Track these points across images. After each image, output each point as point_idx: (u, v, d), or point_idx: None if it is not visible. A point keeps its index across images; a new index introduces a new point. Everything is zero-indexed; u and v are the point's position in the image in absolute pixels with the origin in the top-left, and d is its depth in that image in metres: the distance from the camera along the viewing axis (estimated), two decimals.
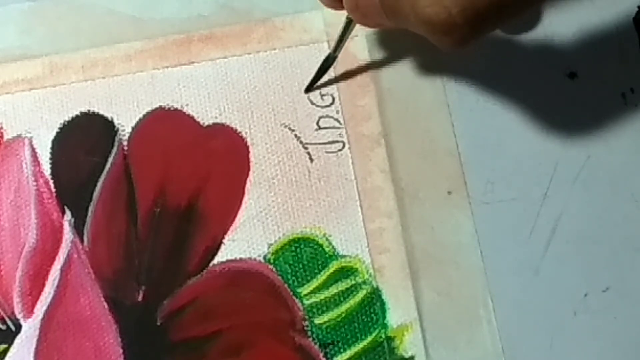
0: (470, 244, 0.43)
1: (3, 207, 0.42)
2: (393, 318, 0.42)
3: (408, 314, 0.42)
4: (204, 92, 0.44)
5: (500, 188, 0.44)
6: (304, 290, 0.42)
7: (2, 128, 0.44)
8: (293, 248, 0.42)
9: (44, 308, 0.41)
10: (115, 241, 0.42)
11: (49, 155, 0.43)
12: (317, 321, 0.42)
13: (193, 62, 0.45)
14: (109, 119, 0.44)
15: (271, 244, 0.42)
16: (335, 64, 0.44)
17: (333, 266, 0.42)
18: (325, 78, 0.44)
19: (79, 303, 0.41)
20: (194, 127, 0.44)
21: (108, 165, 0.43)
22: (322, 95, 0.44)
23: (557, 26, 0.45)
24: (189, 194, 0.43)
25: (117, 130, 0.44)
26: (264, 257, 0.42)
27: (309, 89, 0.44)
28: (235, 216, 0.43)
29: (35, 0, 0.45)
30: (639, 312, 0.42)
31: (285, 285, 0.42)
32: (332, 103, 0.44)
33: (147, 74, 0.44)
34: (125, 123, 0.44)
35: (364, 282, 0.42)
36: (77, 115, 0.44)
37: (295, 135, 0.44)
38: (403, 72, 0.45)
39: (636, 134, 0.44)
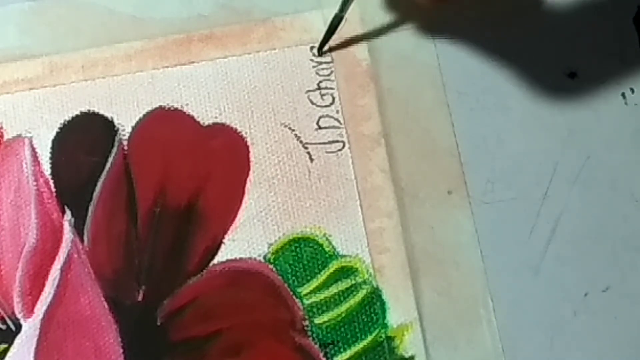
0: (470, 244, 0.43)
1: (3, 207, 0.42)
2: (393, 318, 0.42)
3: (408, 313, 0.42)
4: (204, 92, 0.44)
5: (500, 188, 0.44)
6: (304, 290, 0.42)
7: (2, 128, 0.44)
8: (293, 248, 0.42)
9: (44, 308, 0.41)
10: (115, 241, 0.42)
11: (49, 155, 0.43)
12: (317, 321, 0.42)
13: (193, 62, 0.45)
14: (109, 118, 0.44)
15: (271, 244, 0.42)
16: (335, 63, 0.44)
17: (333, 266, 0.42)
18: (327, 72, 0.44)
19: (79, 303, 0.41)
20: (194, 127, 0.44)
21: (108, 165, 0.43)
22: (322, 95, 0.44)
23: (557, 26, 0.45)
24: (189, 194, 0.43)
25: (117, 130, 0.44)
26: (264, 257, 0.42)
27: (320, 51, 0.44)
28: (235, 216, 0.43)
29: (35, 0, 0.45)
30: (639, 312, 0.42)
31: (285, 285, 0.42)
32: (332, 103, 0.44)
33: (147, 74, 0.44)
34: (125, 123, 0.44)
35: (364, 282, 0.42)
36: (77, 115, 0.44)
37: (295, 135, 0.44)
38: (403, 72, 0.45)
39: (636, 134, 0.44)
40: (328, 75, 0.44)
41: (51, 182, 0.43)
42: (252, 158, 0.44)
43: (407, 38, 0.45)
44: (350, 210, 0.43)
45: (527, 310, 0.42)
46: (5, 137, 0.44)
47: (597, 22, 0.46)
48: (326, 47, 0.44)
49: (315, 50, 0.45)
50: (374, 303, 0.42)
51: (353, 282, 0.42)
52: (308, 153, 0.44)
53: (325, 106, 0.44)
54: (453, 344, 0.42)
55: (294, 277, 0.42)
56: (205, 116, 0.44)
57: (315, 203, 0.43)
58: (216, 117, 0.44)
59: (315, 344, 0.41)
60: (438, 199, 0.43)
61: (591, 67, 0.45)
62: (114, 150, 0.43)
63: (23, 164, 0.43)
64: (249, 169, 0.43)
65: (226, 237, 0.42)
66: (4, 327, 0.41)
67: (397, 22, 0.45)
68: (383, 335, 0.41)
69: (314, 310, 0.42)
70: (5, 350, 0.41)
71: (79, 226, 0.42)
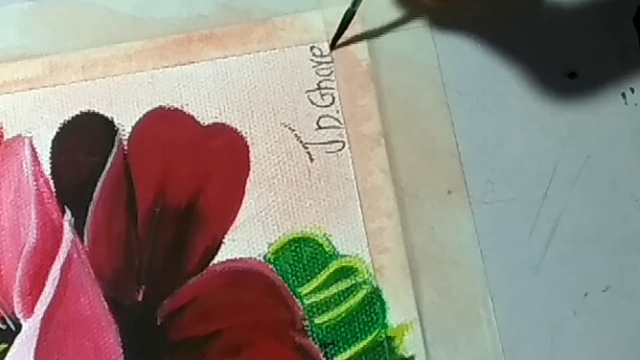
0: (470, 244, 0.43)
1: (3, 207, 0.42)
2: (393, 318, 0.42)
3: (408, 313, 0.42)
4: (204, 92, 0.44)
5: (500, 188, 0.44)
6: (304, 290, 0.42)
7: (2, 128, 0.44)
8: (293, 248, 0.42)
9: (44, 308, 0.41)
10: (115, 241, 0.42)
11: (49, 155, 0.43)
12: (317, 321, 0.42)
13: (193, 62, 0.45)
14: (109, 118, 0.44)
15: (271, 244, 0.42)
16: (335, 63, 0.44)
17: (333, 266, 0.42)
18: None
19: (79, 303, 0.41)
20: (194, 127, 0.44)
21: (108, 165, 0.43)
22: (322, 95, 0.44)
23: (557, 26, 0.45)
24: (189, 194, 0.43)
25: (117, 130, 0.44)
26: (264, 257, 0.42)
27: (333, 46, 0.45)
28: (235, 216, 0.43)
29: (35, 0, 0.45)
30: (639, 312, 0.42)
31: (285, 285, 0.42)
32: (332, 103, 0.44)
33: (147, 74, 0.44)
34: (125, 123, 0.44)
35: (364, 282, 0.42)
36: (77, 115, 0.44)
37: (295, 135, 0.44)
38: (403, 72, 0.45)
39: (636, 134, 0.44)
40: (328, 75, 0.44)
41: (51, 182, 0.43)
42: (252, 158, 0.44)
43: (407, 38, 0.45)
44: (350, 210, 0.43)
45: (527, 310, 0.42)
46: (5, 137, 0.44)
47: (597, 22, 0.46)
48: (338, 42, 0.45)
49: (315, 50, 0.45)
50: (374, 303, 0.42)
51: (353, 282, 0.42)
52: (308, 153, 0.44)
53: (325, 106, 0.44)
54: (453, 344, 0.42)
55: (294, 277, 0.42)
56: (205, 116, 0.44)
57: (315, 203, 0.43)
58: (216, 117, 0.44)
59: (315, 344, 0.41)
60: (438, 199, 0.43)
61: (591, 67, 0.45)
62: (114, 150, 0.43)
63: (23, 164, 0.43)
64: (249, 169, 0.43)
65: (226, 237, 0.42)
66: (4, 327, 0.41)
67: (398, 22, 0.45)
68: (383, 335, 0.41)
69: (314, 310, 0.42)
70: (5, 350, 0.41)
71: (79, 226, 0.42)
